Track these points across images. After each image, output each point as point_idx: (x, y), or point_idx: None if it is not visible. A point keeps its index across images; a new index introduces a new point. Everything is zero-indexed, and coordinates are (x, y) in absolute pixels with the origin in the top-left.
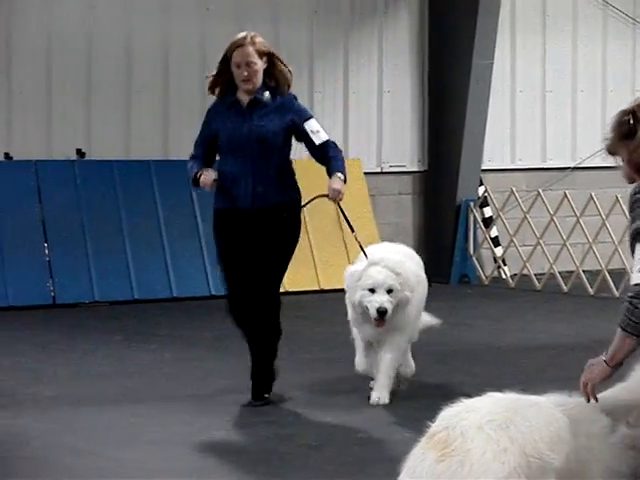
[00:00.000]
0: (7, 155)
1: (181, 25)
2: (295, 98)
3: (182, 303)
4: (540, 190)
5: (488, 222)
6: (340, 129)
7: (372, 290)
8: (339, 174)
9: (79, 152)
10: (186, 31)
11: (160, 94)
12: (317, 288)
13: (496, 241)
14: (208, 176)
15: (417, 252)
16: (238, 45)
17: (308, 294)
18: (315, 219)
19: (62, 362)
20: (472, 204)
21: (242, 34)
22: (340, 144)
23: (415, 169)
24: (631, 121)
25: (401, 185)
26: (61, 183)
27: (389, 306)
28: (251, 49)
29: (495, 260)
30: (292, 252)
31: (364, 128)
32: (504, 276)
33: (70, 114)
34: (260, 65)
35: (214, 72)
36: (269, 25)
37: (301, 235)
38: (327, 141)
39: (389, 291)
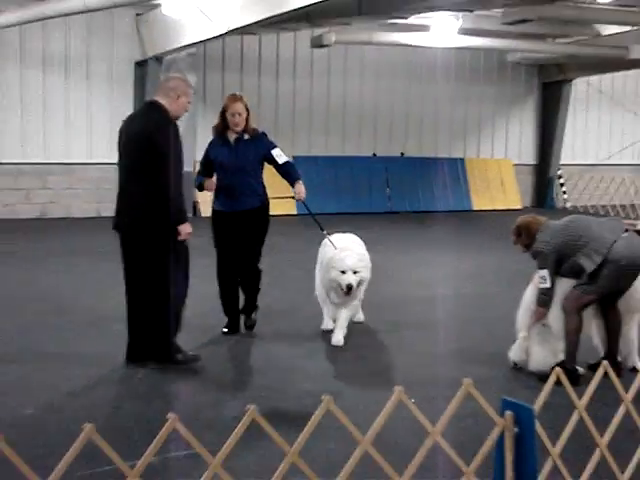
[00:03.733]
0: None
1: None
2: (265, 135)
3: None
4: None
5: None
6: None
7: (343, 272)
8: (300, 181)
9: None
10: None
11: None
12: None
13: None
14: (210, 184)
15: None
16: (234, 101)
17: None
18: None
19: None
20: None
21: (235, 93)
22: None
23: None
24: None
25: None
26: None
27: (355, 283)
28: (241, 104)
29: None
30: (264, 238)
31: None
32: None
33: None
34: (245, 115)
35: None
36: None
37: None
38: (287, 161)
39: (355, 272)
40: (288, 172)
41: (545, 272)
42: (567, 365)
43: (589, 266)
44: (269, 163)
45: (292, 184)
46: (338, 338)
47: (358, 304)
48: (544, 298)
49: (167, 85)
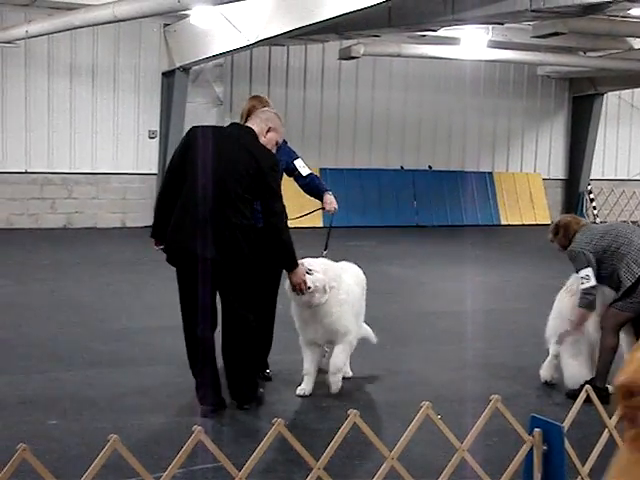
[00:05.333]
0: None
1: None
2: (285, 142)
3: None
4: None
5: None
6: None
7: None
8: (330, 192)
9: None
10: None
11: None
12: None
13: None
14: None
15: None
16: (262, 104)
17: None
18: None
19: None
20: None
21: (260, 95)
22: None
23: None
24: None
25: None
26: None
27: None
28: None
29: None
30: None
31: None
32: None
33: None
34: None
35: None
36: None
37: None
38: (311, 173)
39: (308, 272)
40: (315, 184)
41: (589, 270)
42: (598, 383)
43: (628, 279)
44: (289, 175)
45: (321, 196)
46: (336, 384)
47: (348, 341)
48: (588, 299)
49: (261, 115)
